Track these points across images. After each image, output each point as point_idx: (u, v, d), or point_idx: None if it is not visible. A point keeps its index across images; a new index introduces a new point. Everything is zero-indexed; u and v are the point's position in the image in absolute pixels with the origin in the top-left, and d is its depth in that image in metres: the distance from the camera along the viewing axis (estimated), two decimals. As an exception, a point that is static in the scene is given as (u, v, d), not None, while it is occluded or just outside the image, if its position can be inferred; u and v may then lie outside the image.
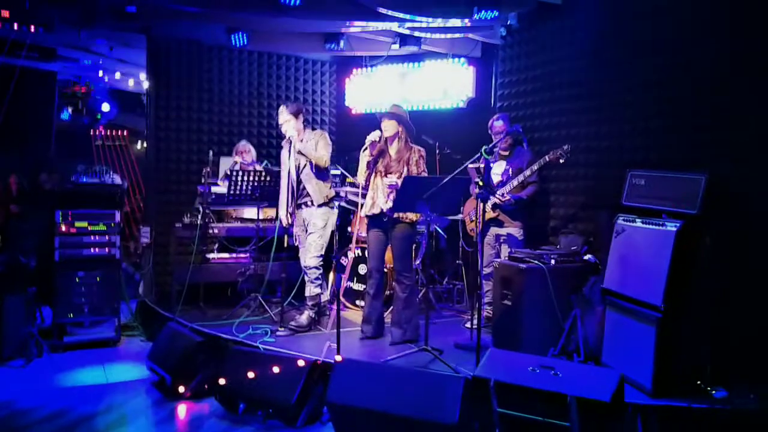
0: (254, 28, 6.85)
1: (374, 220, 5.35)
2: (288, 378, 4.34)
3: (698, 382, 4.09)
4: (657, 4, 4.91)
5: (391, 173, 5.22)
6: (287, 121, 5.66)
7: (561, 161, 5.30)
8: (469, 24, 6.26)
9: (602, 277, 4.70)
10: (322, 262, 5.74)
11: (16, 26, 5.66)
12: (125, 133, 12.65)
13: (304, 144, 5.60)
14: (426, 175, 5.30)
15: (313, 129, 5.95)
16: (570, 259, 5.08)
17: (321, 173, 5.68)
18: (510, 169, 5.71)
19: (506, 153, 5.82)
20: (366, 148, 5.28)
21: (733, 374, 4.08)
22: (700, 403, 3.90)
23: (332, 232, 5.93)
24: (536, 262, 4.93)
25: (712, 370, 4.09)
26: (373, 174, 5.30)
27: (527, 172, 5.52)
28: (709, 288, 4.12)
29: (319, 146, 5.61)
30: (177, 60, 7.39)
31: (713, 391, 4.02)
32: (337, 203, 5.90)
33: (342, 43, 7.20)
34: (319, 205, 5.67)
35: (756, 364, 4.07)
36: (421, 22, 6.18)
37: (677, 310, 4.04)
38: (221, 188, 6.39)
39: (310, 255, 5.67)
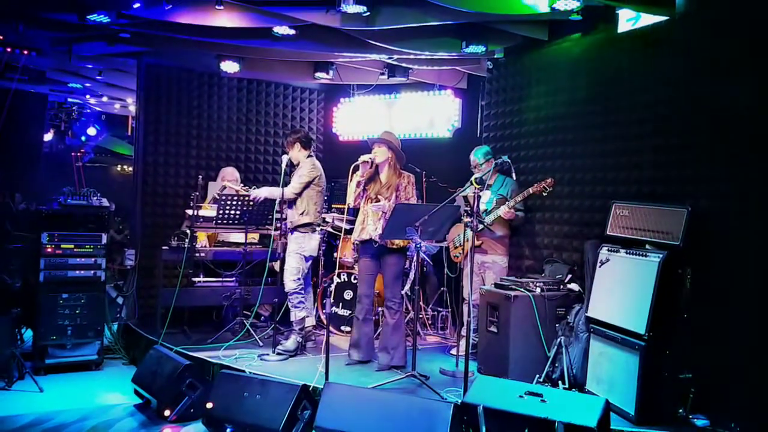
0: (245, 56, 6.95)
1: (365, 246, 5.41)
2: (275, 402, 4.32)
3: (680, 410, 4.17)
4: (640, 42, 5.09)
5: (381, 200, 5.30)
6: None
7: (544, 194, 5.43)
8: (456, 57, 6.42)
9: (586, 306, 4.80)
10: (301, 286, 5.77)
11: (9, 49, 5.71)
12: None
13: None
14: (415, 202, 5.39)
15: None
16: (555, 287, 5.18)
17: (292, 201, 5.83)
18: (495, 199, 5.82)
19: (491, 183, 5.94)
20: (358, 167, 5.34)
21: (715, 403, 4.17)
22: (683, 431, 3.99)
23: (314, 257, 5.93)
24: (522, 289, 5.03)
25: (694, 399, 4.17)
26: (364, 200, 5.38)
27: (511, 203, 5.63)
28: (692, 317, 4.22)
29: (293, 176, 5.79)
30: (167, 85, 7.46)
31: (695, 420, 4.11)
32: (318, 229, 5.92)
33: (331, 73, 7.32)
34: (292, 230, 5.78)
35: (736, 393, 4.15)
36: (409, 54, 6.32)
37: (660, 338, 4.13)
38: (209, 211, 6.42)
39: (288, 279, 5.75)
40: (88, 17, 5.24)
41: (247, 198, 6.17)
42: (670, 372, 4.18)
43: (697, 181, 4.56)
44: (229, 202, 6.08)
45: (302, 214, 5.78)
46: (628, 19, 5.17)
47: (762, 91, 4.19)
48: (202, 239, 6.88)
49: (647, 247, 4.39)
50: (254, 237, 6.78)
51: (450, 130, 7.39)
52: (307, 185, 5.78)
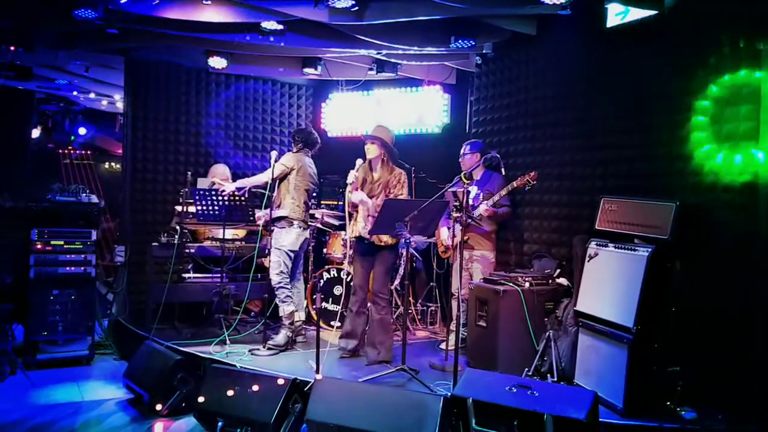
0: (233, 51, 6.92)
1: (359, 243, 5.47)
2: (266, 396, 4.33)
3: (668, 403, 4.20)
4: (628, 37, 5.11)
5: (373, 197, 5.32)
6: None
7: (527, 188, 5.46)
8: (445, 52, 6.43)
9: (575, 300, 4.83)
10: (287, 280, 5.77)
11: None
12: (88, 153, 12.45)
13: None
14: (405, 198, 5.40)
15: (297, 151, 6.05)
16: (544, 281, 5.21)
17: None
18: (481, 194, 5.85)
19: (479, 178, 5.96)
20: (351, 183, 5.36)
21: (702, 395, 4.20)
22: (670, 423, 4.01)
23: (295, 251, 5.89)
24: (511, 284, 5.06)
25: (681, 392, 4.21)
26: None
27: (496, 197, 5.65)
28: (679, 311, 4.26)
29: None
30: (155, 81, 7.43)
31: (683, 412, 4.13)
32: (296, 223, 5.87)
33: (319, 68, 7.30)
34: (272, 225, 5.81)
35: (723, 386, 4.19)
36: (398, 49, 6.32)
37: (648, 332, 4.16)
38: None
39: (271, 273, 5.79)
40: (74, 12, 5.22)
41: (220, 192, 6.11)
42: (657, 365, 4.21)
43: (686, 174, 4.59)
44: (205, 199, 6.04)
45: (277, 207, 5.81)
46: (617, 14, 5.18)
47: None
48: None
49: (636, 241, 4.42)
50: (236, 233, 6.76)
51: (440, 126, 7.39)
52: (283, 176, 5.81)
